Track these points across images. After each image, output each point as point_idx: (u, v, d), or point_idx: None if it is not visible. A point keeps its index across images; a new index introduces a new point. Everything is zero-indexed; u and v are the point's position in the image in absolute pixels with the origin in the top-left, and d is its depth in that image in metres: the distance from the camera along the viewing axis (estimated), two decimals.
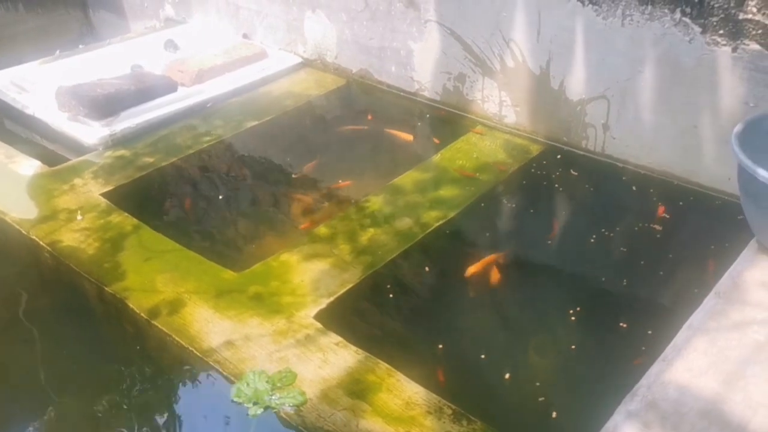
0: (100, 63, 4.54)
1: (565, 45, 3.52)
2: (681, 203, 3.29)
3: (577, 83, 3.57)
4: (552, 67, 3.62)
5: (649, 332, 2.51)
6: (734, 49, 3.00)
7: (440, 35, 4.01)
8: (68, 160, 3.74)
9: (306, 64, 4.77)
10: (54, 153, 3.88)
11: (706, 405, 1.82)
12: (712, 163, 3.28)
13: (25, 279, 3.07)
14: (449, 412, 2.23)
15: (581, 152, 3.69)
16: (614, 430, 1.77)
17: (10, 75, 4.40)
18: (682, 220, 3.19)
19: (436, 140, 3.91)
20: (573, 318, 2.66)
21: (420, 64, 4.21)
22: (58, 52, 4.83)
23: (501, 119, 3.96)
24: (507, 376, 2.45)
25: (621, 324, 2.63)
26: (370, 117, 4.18)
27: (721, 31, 3.01)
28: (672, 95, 3.27)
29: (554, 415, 2.27)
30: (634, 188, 3.42)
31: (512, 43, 3.71)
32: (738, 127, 2.49)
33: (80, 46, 5.04)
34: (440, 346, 2.58)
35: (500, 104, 3.93)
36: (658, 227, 3.14)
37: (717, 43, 3.04)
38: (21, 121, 4.14)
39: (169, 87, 4.20)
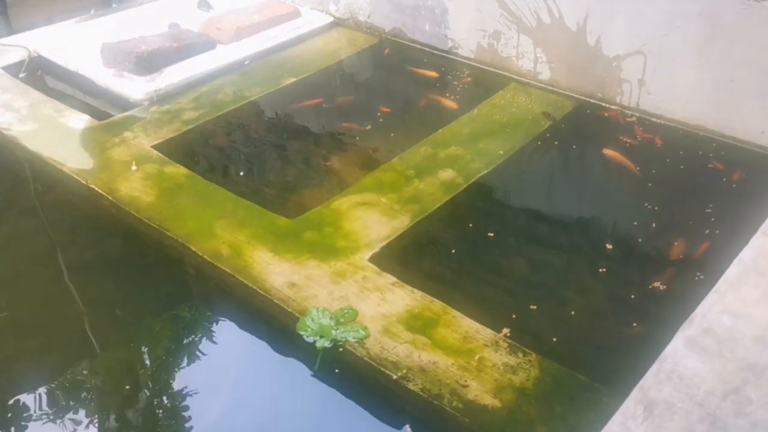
0: (136, 22, 4.59)
1: (603, 0, 3.57)
2: (719, 155, 3.38)
3: (614, 39, 3.64)
4: (589, 23, 3.68)
5: (699, 274, 2.65)
6: None
7: None
8: (113, 115, 3.82)
9: (337, 23, 4.83)
10: (98, 108, 3.95)
11: (760, 332, 1.94)
12: (747, 117, 3.36)
13: (88, 226, 3.18)
14: (505, 345, 2.35)
15: (615, 107, 3.77)
16: (674, 353, 1.89)
17: (49, 33, 4.46)
18: (722, 171, 3.28)
19: (472, 96, 3.98)
20: (625, 257, 2.79)
21: (455, 22, 4.27)
22: (92, 11, 4.89)
23: (535, 76, 4.03)
24: (556, 309, 2.57)
25: (674, 261, 2.74)
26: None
27: None
28: (709, 50, 3.34)
29: (610, 345, 2.41)
30: (669, 142, 3.51)
31: None
32: None
33: (114, 5, 5.10)
34: (491, 286, 2.71)
35: (535, 61, 4.00)
36: (701, 176, 3.25)
37: None
38: (63, 77, 4.22)
39: (208, 44, 4.27)
